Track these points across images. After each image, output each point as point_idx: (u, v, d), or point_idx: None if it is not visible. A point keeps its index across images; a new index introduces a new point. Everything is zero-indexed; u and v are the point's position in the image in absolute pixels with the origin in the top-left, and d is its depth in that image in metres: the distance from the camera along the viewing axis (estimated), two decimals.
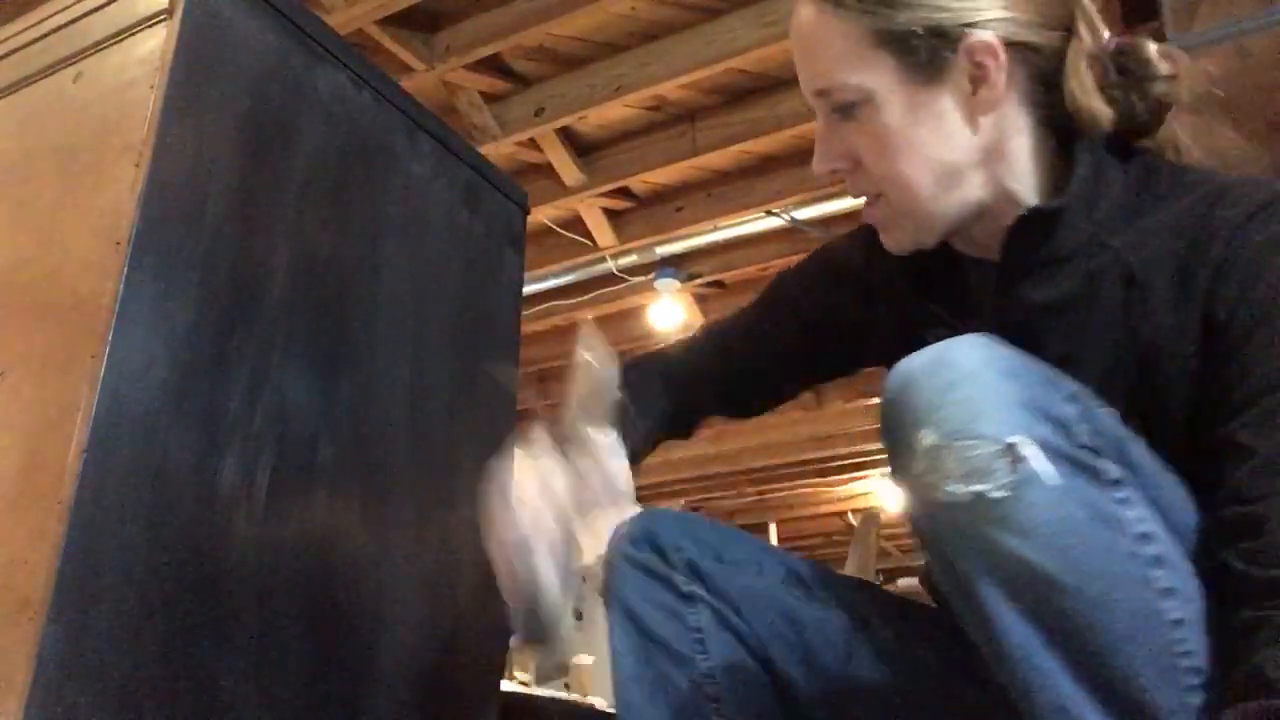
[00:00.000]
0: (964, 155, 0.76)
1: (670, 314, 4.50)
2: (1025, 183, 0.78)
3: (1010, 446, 0.62)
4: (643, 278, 4.17)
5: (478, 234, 1.46)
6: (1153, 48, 0.78)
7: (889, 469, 0.69)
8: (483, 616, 1.33)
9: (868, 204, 0.82)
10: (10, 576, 0.87)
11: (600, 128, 3.52)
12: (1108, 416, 0.68)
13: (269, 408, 1.05)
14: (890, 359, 0.76)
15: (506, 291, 1.51)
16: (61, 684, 0.82)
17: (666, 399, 1.01)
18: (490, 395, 1.42)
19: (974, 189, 0.78)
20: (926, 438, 0.63)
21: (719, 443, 5.74)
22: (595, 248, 4.02)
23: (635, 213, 3.97)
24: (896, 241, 0.83)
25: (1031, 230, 0.77)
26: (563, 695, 3.94)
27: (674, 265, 4.15)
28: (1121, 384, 0.73)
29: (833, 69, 0.76)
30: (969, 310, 0.83)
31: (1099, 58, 0.78)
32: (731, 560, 0.93)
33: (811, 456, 5.85)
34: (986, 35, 0.73)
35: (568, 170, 3.60)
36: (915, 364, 0.66)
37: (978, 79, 0.74)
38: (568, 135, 3.52)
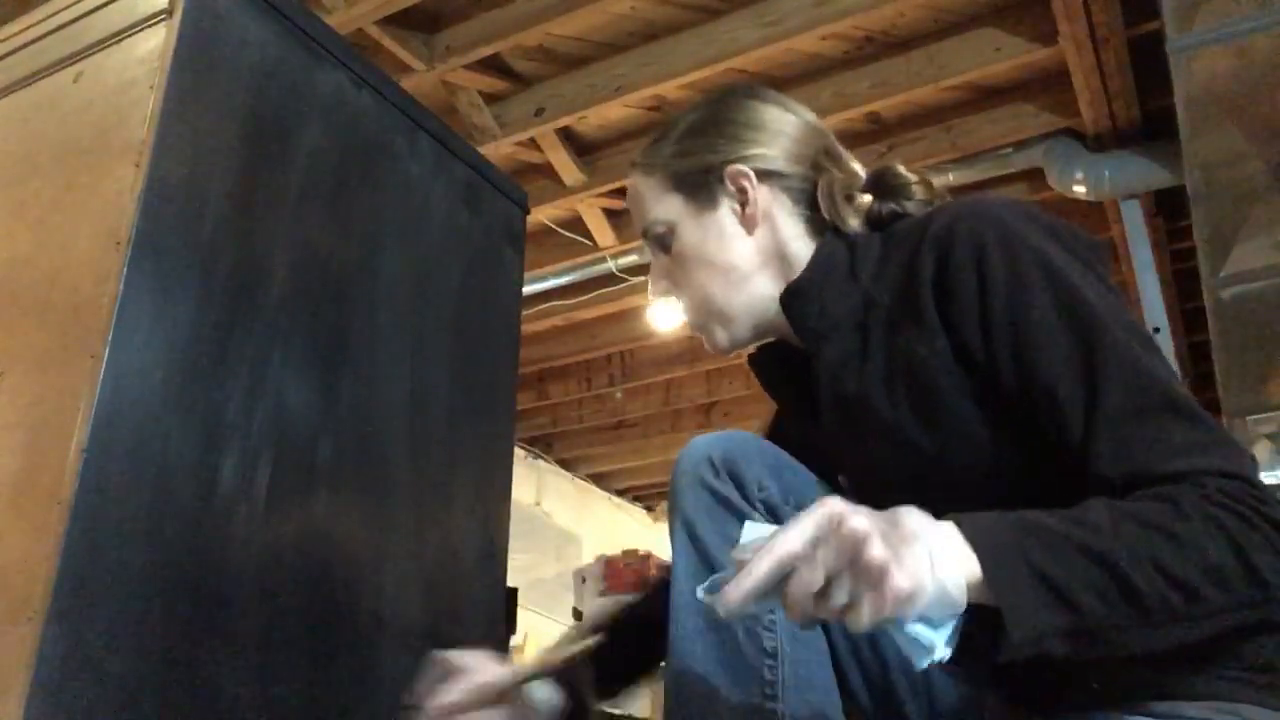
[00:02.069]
0: (746, 260, 0.96)
1: (670, 314, 4.50)
2: None
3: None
4: (643, 278, 4.17)
5: (478, 234, 1.46)
6: (901, 170, 0.97)
7: None
8: (483, 616, 1.33)
9: (688, 316, 1.02)
10: (10, 576, 0.87)
11: (600, 128, 3.52)
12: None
13: (269, 408, 1.05)
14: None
15: (506, 291, 1.51)
16: (61, 684, 0.82)
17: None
18: (490, 395, 1.42)
19: (763, 285, 0.96)
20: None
21: None
22: (595, 248, 4.02)
23: None
24: (715, 342, 1.01)
25: (792, 305, 0.94)
26: None
27: None
28: (903, 399, 0.84)
29: (647, 212, 1.00)
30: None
31: (853, 188, 0.97)
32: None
33: None
34: (741, 166, 0.95)
35: (568, 170, 3.60)
36: None
37: (742, 200, 0.96)
38: (568, 135, 3.52)
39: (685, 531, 0.88)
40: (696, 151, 0.98)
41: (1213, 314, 2.31)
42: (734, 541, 0.85)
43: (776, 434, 1.12)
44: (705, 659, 0.85)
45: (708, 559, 0.87)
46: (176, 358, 0.97)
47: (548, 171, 3.67)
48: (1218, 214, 2.07)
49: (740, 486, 0.88)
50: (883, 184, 0.97)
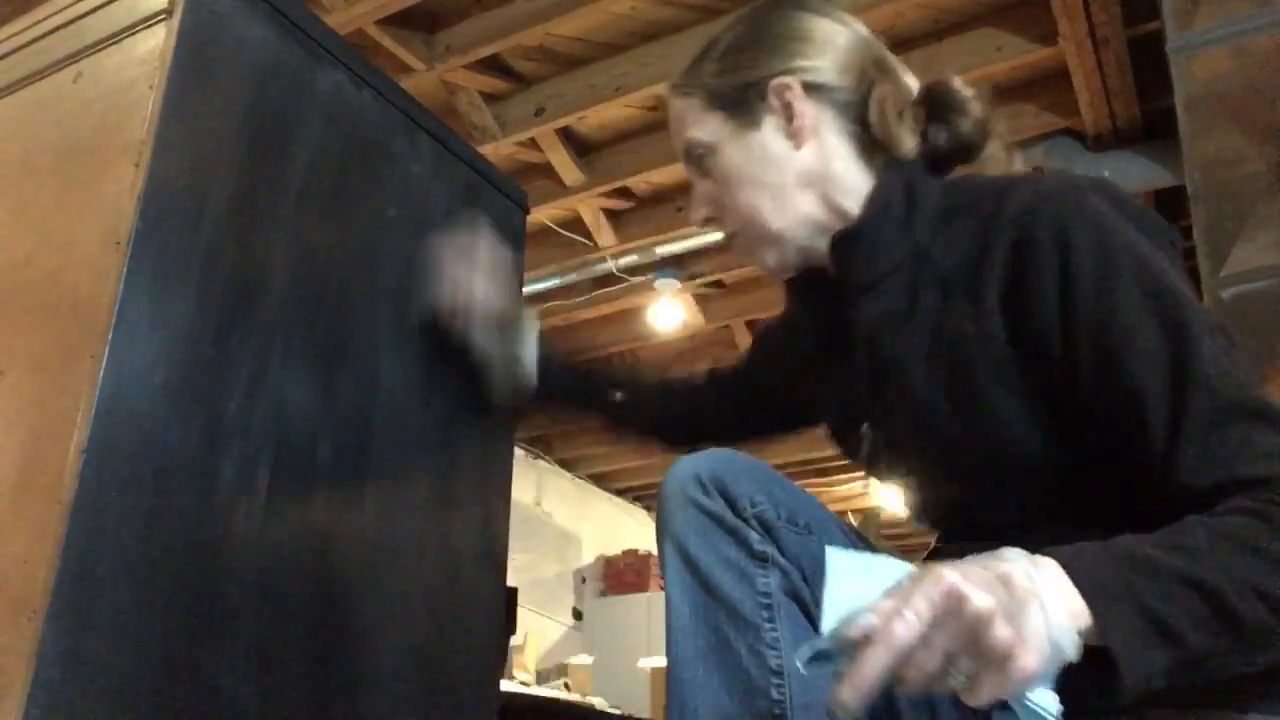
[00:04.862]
0: (791, 177, 0.92)
1: (670, 314, 4.49)
2: (855, 199, 0.92)
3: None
4: (643, 278, 4.17)
5: None
6: (959, 85, 0.93)
7: None
8: (483, 616, 1.33)
9: (731, 240, 0.99)
10: (10, 576, 0.87)
11: (600, 128, 3.52)
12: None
13: (269, 408, 1.05)
14: (815, 405, 1.00)
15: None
16: (61, 684, 0.82)
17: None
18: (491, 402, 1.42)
19: (807, 206, 0.92)
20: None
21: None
22: (595, 248, 4.02)
23: (635, 213, 3.97)
24: (764, 264, 0.97)
25: (844, 250, 0.90)
26: (563, 695, 3.94)
27: (674, 265, 4.15)
28: (940, 379, 0.82)
29: (686, 132, 0.96)
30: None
31: (906, 102, 0.92)
32: (804, 526, 0.87)
33: (812, 456, 5.85)
34: (786, 79, 0.91)
35: (568, 170, 3.60)
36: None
37: (788, 114, 0.91)
38: (568, 135, 3.52)
39: (678, 554, 0.85)
40: (738, 68, 0.94)
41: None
42: (735, 567, 0.84)
43: (789, 339, 1.12)
44: (708, 682, 0.81)
45: (702, 579, 0.84)
46: (176, 358, 0.97)
47: (548, 171, 3.67)
48: (1218, 214, 2.07)
49: (731, 503, 0.85)
50: (936, 100, 0.93)
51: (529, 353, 1.23)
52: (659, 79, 3.10)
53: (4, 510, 0.91)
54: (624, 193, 3.83)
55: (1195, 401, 0.70)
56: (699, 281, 4.30)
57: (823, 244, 0.92)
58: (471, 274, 1.22)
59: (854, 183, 0.92)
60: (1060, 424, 0.77)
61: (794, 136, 0.91)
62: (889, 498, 6.60)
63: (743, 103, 0.93)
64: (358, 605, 1.13)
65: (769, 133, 0.92)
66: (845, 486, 6.79)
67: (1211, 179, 2.05)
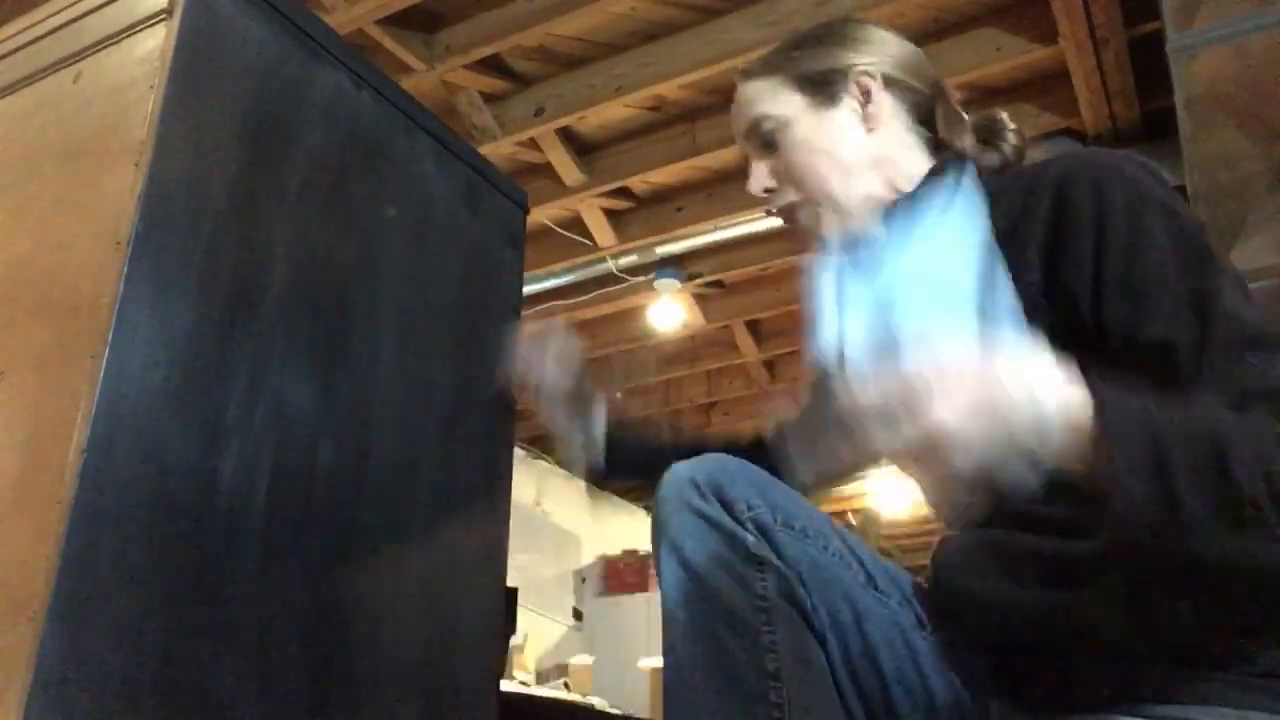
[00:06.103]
0: (859, 156, 1.01)
1: (670, 314, 4.50)
2: (914, 184, 1.01)
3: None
4: (643, 278, 4.17)
5: (478, 234, 1.46)
6: (1004, 116, 1.03)
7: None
8: (483, 616, 1.33)
9: (792, 214, 1.05)
10: (10, 577, 0.87)
11: (600, 128, 3.53)
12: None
13: (269, 408, 1.05)
14: None
15: (506, 291, 1.51)
16: (61, 684, 0.82)
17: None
18: (490, 395, 1.42)
19: (871, 185, 1.00)
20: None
21: None
22: (595, 248, 4.03)
23: (635, 213, 3.97)
24: (825, 229, 1.02)
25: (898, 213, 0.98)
26: (563, 695, 3.94)
27: (674, 265, 4.15)
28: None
29: (759, 108, 1.04)
30: None
31: (960, 122, 1.03)
32: (800, 529, 0.87)
33: None
34: (869, 69, 1.02)
35: (568, 170, 3.61)
36: None
37: (865, 100, 1.01)
38: (568, 135, 3.52)
39: (674, 556, 0.85)
40: (823, 56, 1.03)
41: None
42: (731, 571, 0.84)
43: None
44: (705, 687, 0.81)
45: (698, 583, 0.83)
46: (176, 358, 0.97)
47: (548, 171, 3.67)
48: (1218, 214, 2.07)
49: (727, 507, 0.85)
50: (987, 126, 1.03)
51: (597, 430, 1.34)
52: (659, 79, 3.10)
53: (4, 510, 0.91)
54: (624, 193, 3.83)
55: (1218, 337, 0.75)
56: (699, 281, 4.30)
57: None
58: (543, 357, 1.33)
59: (916, 171, 1.00)
60: (1081, 372, 0.80)
61: (867, 121, 1.01)
62: (887, 498, 6.60)
63: (825, 84, 1.02)
64: (358, 605, 1.13)
65: (844, 113, 1.02)
66: (844, 487, 6.79)
67: (1211, 179, 2.05)
